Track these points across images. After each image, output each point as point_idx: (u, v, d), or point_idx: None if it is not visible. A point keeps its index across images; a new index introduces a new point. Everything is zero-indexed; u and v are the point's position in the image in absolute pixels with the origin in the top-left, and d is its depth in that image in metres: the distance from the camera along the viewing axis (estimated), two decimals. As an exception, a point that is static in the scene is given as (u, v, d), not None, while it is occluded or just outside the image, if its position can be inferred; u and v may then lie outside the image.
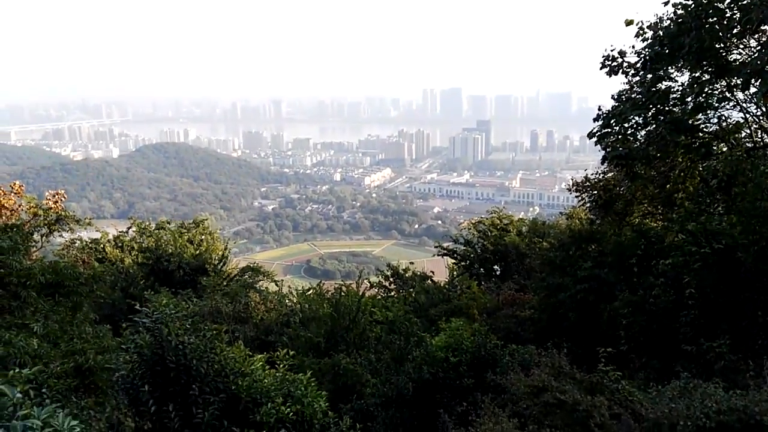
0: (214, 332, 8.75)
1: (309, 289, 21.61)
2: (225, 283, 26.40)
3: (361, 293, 18.36)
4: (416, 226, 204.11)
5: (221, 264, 30.90)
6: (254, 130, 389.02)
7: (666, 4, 13.54)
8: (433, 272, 29.48)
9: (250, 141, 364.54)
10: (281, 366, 8.60)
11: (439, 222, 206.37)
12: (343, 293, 17.86)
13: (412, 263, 30.74)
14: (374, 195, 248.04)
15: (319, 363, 14.24)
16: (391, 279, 28.52)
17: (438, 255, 33.49)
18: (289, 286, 24.30)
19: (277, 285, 26.02)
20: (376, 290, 27.26)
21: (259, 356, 8.60)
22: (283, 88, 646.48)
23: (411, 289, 26.16)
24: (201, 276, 27.33)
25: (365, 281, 22.83)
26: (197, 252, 30.25)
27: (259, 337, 17.31)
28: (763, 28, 13.34)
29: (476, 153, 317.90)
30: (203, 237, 32.08)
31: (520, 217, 36.81)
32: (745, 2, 12.78)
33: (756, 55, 13.53)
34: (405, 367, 12.74)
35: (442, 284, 26.94)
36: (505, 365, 11.80)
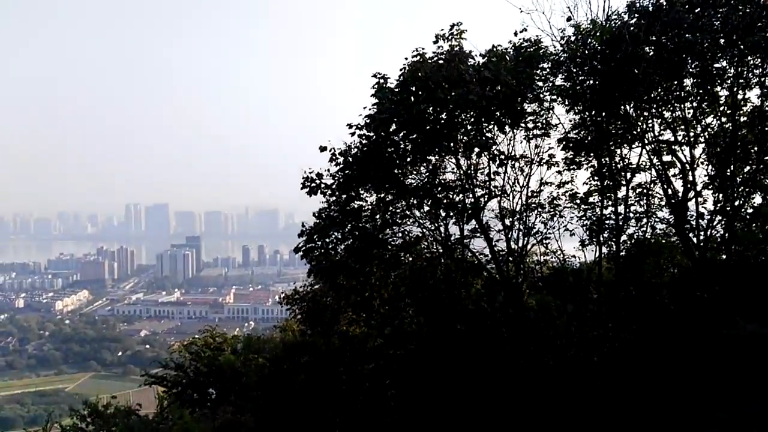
0: None
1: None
2: None
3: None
4: (120, 353, 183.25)
5: None
6: None
7: (353, 134, 15.48)
8: (140, 405, 26.48)
9: None
10: None
11: (147, 346, 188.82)
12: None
13: (114, 397, 27.21)
14: (68, 322, 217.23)
15: None
16: (89, 419, 24.81)
17: (146, 384, 30.42)
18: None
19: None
20: (69, 434, 23.39)
21: None
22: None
23: (114, 428, 23.10)
24: None
25: (55, 426, 19.62)
26: None
27: None
28: (429, 158, 16.04)
29: (186, 270, 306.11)
30: None
31: (235, 333, 35.97)
32: (413, 136, 15.30)
33: (425, 180, 16.18)
34: None
35: (151, 417, 24.39)
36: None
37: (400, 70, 15.21)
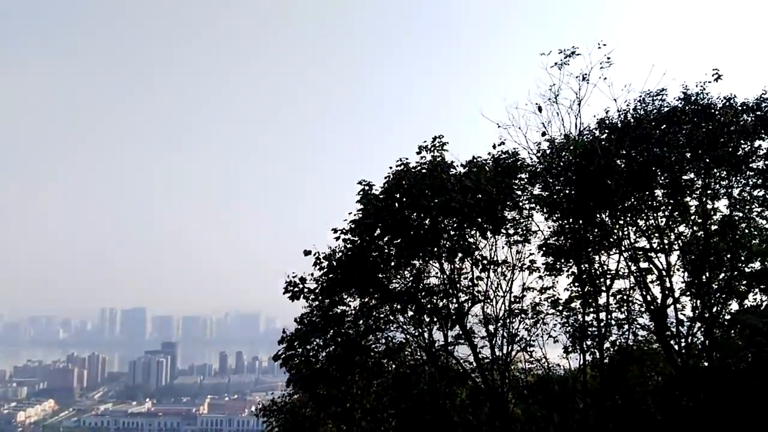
0: None
1: None
2: None
3: None
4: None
5: None
6: None
7: (337, 239, 15.71)
8: None
9: None
10: None
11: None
12: None
13: None
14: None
15: None
16: None
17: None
18: None
19: None
20: None
21: None
22: None
23: None
24: None
25: None
26: None
27: None
28: (413, 262, 16.23)
29: (160, 378, 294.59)
30: None
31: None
32: (398, 241, 15.58)
33: (410, 284, 16.28)
34: None
35: None
36: None
37: (385, 178, 15.78)
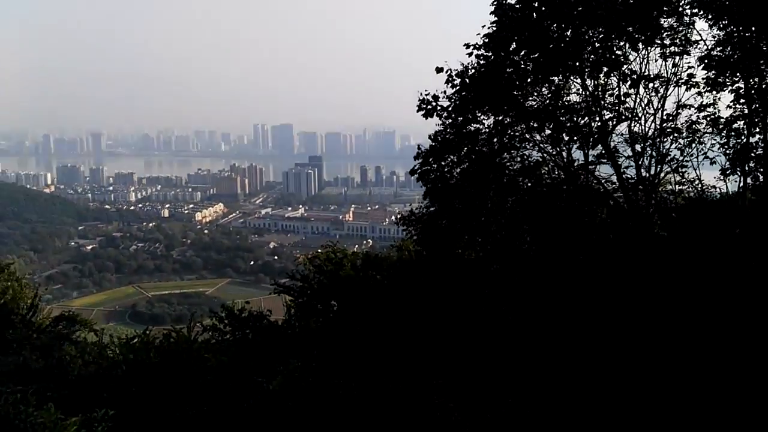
0: (18, 395, 7.86)
1: (134, 338, 20.10)
2: (35, 336, 23.59)
3: (193, 338, 17.51)
4: (252, 262, 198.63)
5: (30, 314, 27.60)
6: (70, 164, 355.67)
7: (470, 55, 15.03)
8: (270, 311, 28.91)
9: (65, 176, 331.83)
10: (99, 429, 7.94)
11: (276, 258, 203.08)
12: (172, 339, 16.89)
13: (248, 302, 29.84)
14: (206, 231, 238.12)
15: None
16: (226, 321, 27.50)
17: (274, 293, 32.93)
18: (111, 335, 22.39)
19: (96, 335, 23.84)
20: (210, 334, 26.13)
21: (73, 419, 7.87)
22: (103, 120, 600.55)
23: (247, 331, 25.44)
24: (6, 329, 24.20)
25: (198, 325, 21.79)
26: (1, 301, 26.78)
27: (75, 396, 15.70)
28: (551, 78, 15.29)
29: (309, 188, 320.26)
30: (8, 284, 28.44)
31: (355, 250, 37.62)
32: (535, 55, 14.61)
33: (547, 101, 15.51)
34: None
35: (279, 323, 26.53)
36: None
37: (522, -17, 14.38)
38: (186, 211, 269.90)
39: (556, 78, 15.25)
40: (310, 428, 12.66)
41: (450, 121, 16.01)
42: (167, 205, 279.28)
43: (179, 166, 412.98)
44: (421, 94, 15.96)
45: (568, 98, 15.59)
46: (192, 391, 15.43)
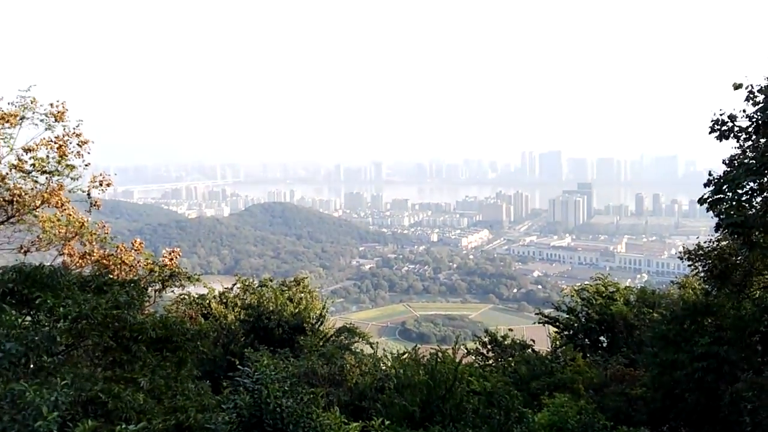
0: (311, 396, 8.87)
1: (404, 353, 21.41)
2: (321, 344, 26.66)
3: (458, 360, 17.94)
4: (515, 290, 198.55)
5: (318, 323, 31.35)
6: (355, 191, 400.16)
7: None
8: (533, 341, 28.34)
9: (350, 201, 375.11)
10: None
11: (539, 287, 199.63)
12: (439, 359, 17.52)
13: (511, 330, 29.75)
14: (471, 257, 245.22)
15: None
16: (489, 346, 27.69)
17: (538, 323, 32.21)
18: (384, 349, 24.21)
19: (372, 347, 25.98)
20: (473, 357, 26.57)
21: (354, 425, 8.61)
22: (384, 150, 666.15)
23: (510, 359, 25.26)
24: (299, 335, 27.82)
25: (462, 347, 22.29)
26: (296, 310, 30.89)
27: (353, 402, 17.26)
28: None
29: (577, 216, 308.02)
30: (302, 295, 32.76)
31: (627, 284, 34.92)
32: None
33: None
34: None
35: (543, 354, 25.77)
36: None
37: None
38: (453, 236, 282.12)
39: None
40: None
41: (750, 143, 13.92)
42: (436, 230, 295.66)
43: (448, 192, 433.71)
44: (714, 114, 14.18)
45: None
46: (457, 414, 15.76)
